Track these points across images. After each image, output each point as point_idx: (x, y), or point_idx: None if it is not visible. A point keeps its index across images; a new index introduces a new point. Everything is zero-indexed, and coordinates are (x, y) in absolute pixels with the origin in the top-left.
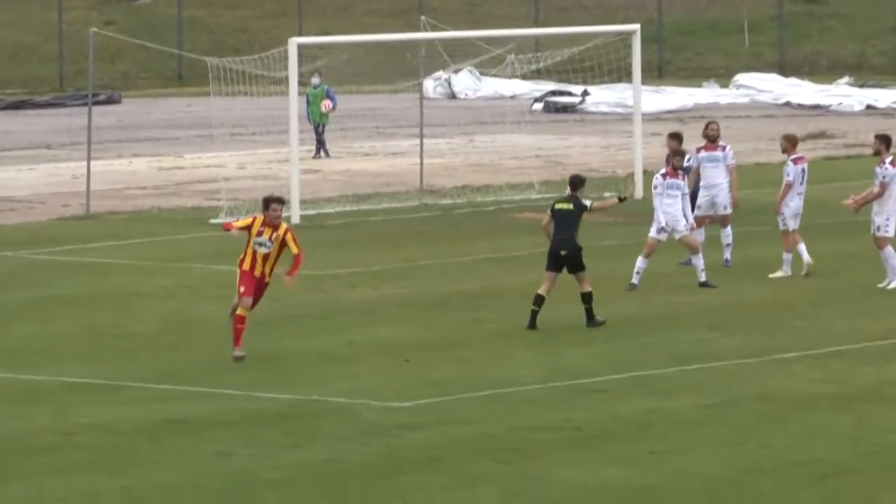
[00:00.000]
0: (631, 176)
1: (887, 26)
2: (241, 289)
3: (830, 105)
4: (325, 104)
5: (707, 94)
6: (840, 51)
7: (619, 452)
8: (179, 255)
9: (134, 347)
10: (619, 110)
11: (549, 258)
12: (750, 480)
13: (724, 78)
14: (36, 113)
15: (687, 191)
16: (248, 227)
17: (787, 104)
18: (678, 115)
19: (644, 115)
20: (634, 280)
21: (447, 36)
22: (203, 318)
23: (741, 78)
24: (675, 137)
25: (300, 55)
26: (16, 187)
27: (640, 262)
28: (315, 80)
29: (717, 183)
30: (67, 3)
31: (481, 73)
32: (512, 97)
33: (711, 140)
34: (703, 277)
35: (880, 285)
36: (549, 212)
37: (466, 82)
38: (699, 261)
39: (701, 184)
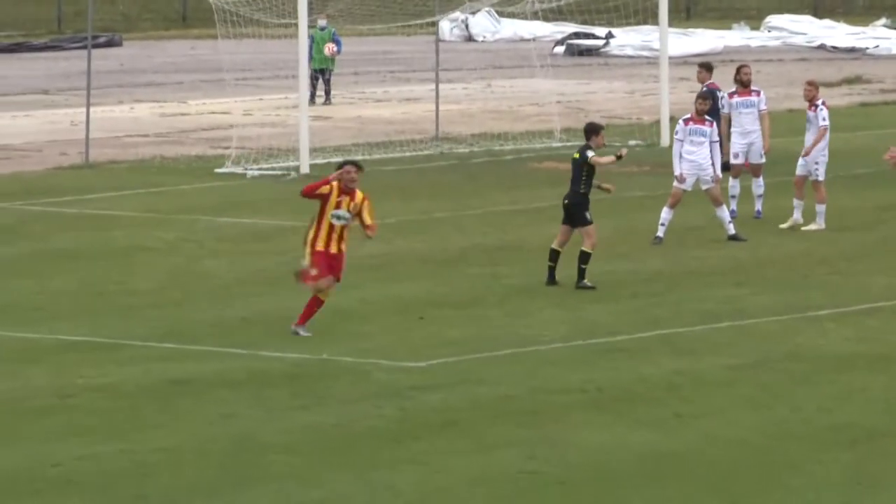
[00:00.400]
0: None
1: None
2: (313, 272)
3: (867, 48)
4: (329, 48)
5: (737, 37)
6: None
7: (643, 415)
8: (184, 206)
9: (136, 304)
10: (645, 54)
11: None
12: (778, 445)
13: (755, 20)
14: (33, 56)
15: (716, 138)
16: (326, 196)
17: (822, 47)
18: (707, 57)
19: (671, 58)
20: (660, 233)
21: None
22: (208, 273)
23: (773, 20)
24: (706, 68)
25: None
26: (11, 135)
27: (664, 213)
28: (322, 21)
29: (752, 130)
30: None
31: (500, 15)
32: (532, 40)
33: (744, 85)
34: (731, 230)
35: None
36: None
37: (484, 24)
38: (724, 213)
39: (735, 131)
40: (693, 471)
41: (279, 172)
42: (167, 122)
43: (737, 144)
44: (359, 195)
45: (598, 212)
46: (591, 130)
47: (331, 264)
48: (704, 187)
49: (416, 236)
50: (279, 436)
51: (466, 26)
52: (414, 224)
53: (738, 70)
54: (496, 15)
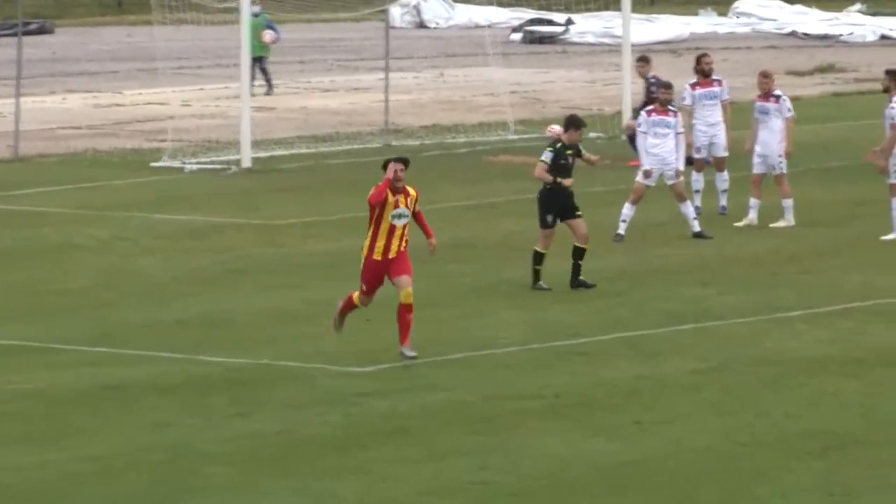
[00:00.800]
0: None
1: None
2: (364, 287)
3: (840, 35)
4: (269, 35)
5: (703, 24)
6: None
7: (602, 422)
8: (118, 202)
9: (67, 305)
10: (606, 41)
11: None
12: (745, 453)
13: (722, 5)
14: None
15: (681, 129)
16: (384, 202)
17: (793, 34)
18: (672, 45)
19: (634, 46)
20: (621, 230)
21: None
22: (143, 272)
23: (741, 5)
24: (645, 60)
25: None
26: None
27: (626, 209)
28: (255, 8)
29: (716, 122)
30: None
31: (454, 0)
32: (488, 26)
33: (706, 75)
34: (696, 227)
35: (883, 237)
36: None
37: (437, 10)
38: (688, 209)
39: (697, 123)
40: (655, 480)
41: (219, 166)
42: (101, 114)
43: (700, 137)
44: (411, 191)
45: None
46: (566, 124)
47: (389, 269)
48: (669, 182)
49: (364, 234)
50: (217, 445)
51: (418, 12)
52: (361, 221)
53: (699, 59)
54: (450, 0)
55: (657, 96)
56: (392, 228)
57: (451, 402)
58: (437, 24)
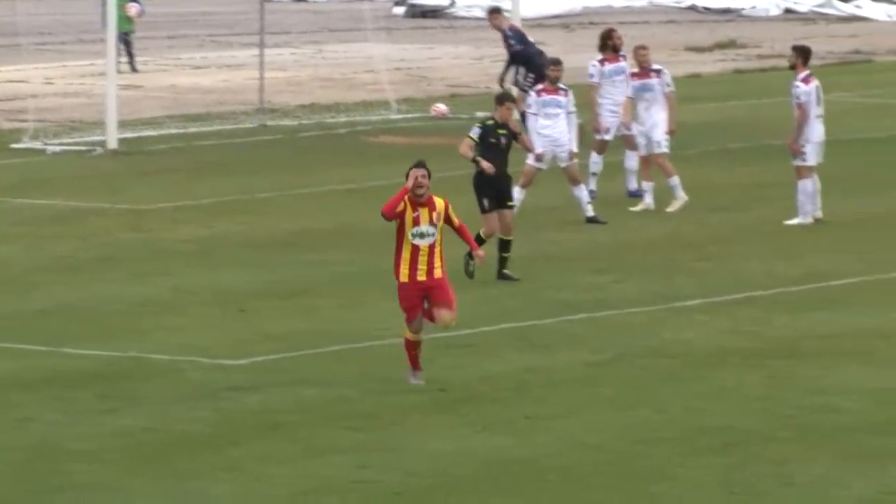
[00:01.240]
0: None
1: None
2: (405, 314)
3: (742, 9)
4: (131, 8)
5: None
6: None
7: (491, 417)
8: None
9: None
10: None
11: None
12: (642, 450)
13: None
14: None
15: (573, 109)
16: (402, 215)
17: (692, 8)
18: (564, 20)
19: (524, 20)
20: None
21: None
22: (3, 260)
23: None
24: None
25: None
26: None
27: (516, 193)
28: None
29: (623, 101)
30: None
31: None
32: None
33: (616, 51)
34: (589, 212)
35: (786, 222)
36: None
37: None
38: (582, 192)
39: (605, 102)
40: (546, 479)
41: (83, 148)
42: None
43: (608, 117)
44: (439, 203)
45: (442, 191)
46: (497, 99)
47: (425, 294)
48: (562, 164)
49: (237, 218)
50: (83, 442)
51: None
52: (235, 205)
53: (609, 34)
54: None
55: (548, 74)
56: (415, 250)
57: (328, 397)
58: None
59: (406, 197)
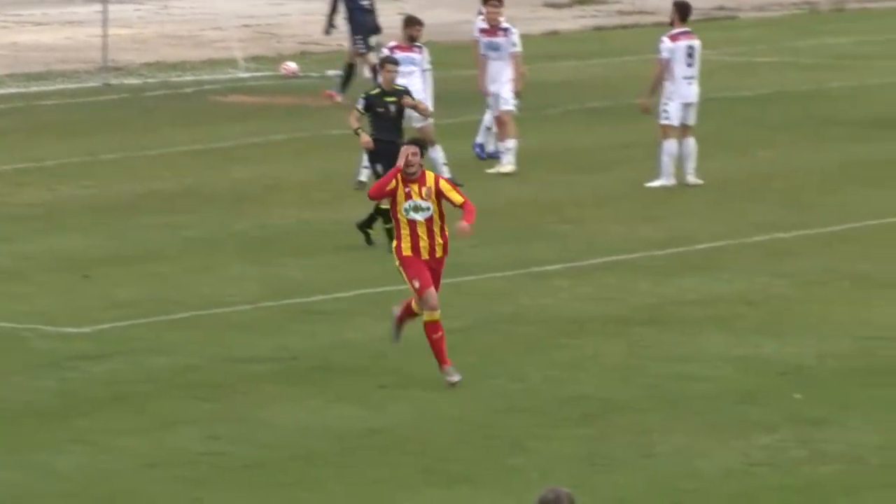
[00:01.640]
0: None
1: None
2: (416, 283)
3: None
4: None
5: None
6: None
7: (345, 387)
8: None
9: None
10: None
11: None
12: (500, 420)
13: None
14: None
15: (428, 66)
16: (393, 193)
17: None
18: None
19: None
20: (362, 177)
21: None
22: None
23: None
24: None
25: None
26: None
27: (434, 152)
28: None
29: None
30: None
31: None
32: None
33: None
34: (445, 174)
35: (648, 184)
36: None
37: None
38: (437, 154)
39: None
40: (402, 449)
41: None
42: None
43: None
44: (429, 177)
45: (292, 152)
46: (378, 62)
47: (432, 268)
48: (417, 124)
49: (80, 181)
50: None
51: None
52: (78, 167)
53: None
54: None
55: (411, 33)
56: (412, 224)
57: (176, 366)
58: None
59: (398, 175)
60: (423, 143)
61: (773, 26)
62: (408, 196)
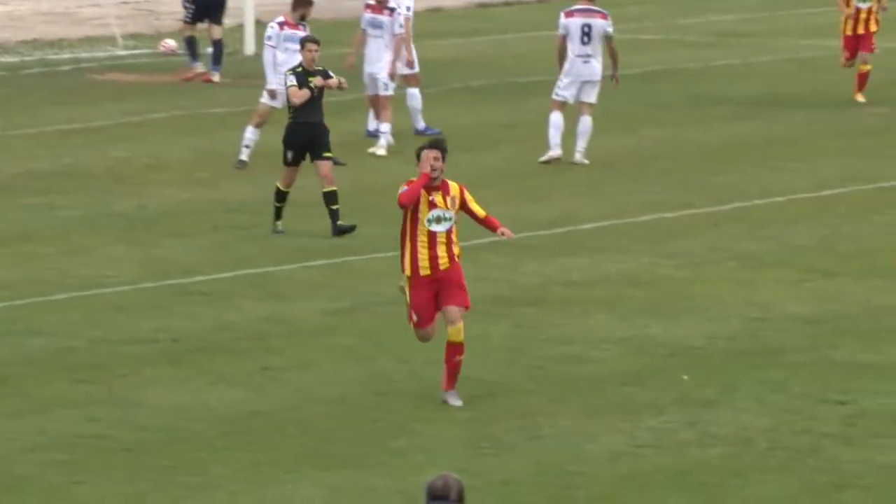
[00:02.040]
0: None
1: None
2: (415, 317)
3: None
4: None
5: None
6: None
7: (226, 369)
8: None
9: None
10: None
11: None
12: (383, 403)
13: None
14: None
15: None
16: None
17: None
18: None
19: None
20: (243, 156)
21: None
22: None
23: None
24: None
25: None
26: None
27: (249, 133)
28: None
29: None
30: None
31: None
32: None
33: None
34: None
35: (540, 158)
36: None
37: None
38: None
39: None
40: (284, 433)
41: None
42: None
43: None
44: (453, 186)
45: (172, 130)
46: (306, 41)
47: (439, 291)
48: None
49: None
50: None
51: None
52: None
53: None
54: None
55: (303, 13)
56: (432, 238)
57: (53, 348)
58: None
59: (426, 181)
60: (444, 147)
61: (660, 3)
62: (432, 205)
